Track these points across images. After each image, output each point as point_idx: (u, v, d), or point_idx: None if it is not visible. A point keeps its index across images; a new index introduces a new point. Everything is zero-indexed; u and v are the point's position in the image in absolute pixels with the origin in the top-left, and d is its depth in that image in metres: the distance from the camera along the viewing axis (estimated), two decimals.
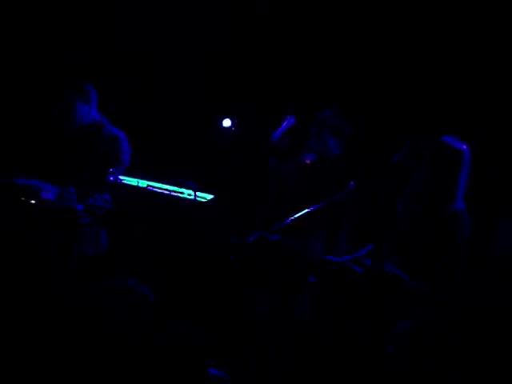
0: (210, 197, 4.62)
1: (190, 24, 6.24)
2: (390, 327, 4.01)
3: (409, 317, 4.01)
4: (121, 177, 4.58)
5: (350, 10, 5.95)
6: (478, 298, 4.30)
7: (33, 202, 4.39)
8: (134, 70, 6.25)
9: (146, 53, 6.26)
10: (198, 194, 4.60)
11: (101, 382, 3.78)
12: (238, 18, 6.27)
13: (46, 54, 5.93)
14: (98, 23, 6.09)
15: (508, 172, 5.33)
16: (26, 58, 5.94)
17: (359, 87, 5.82)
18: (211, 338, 4.24)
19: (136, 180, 4.61)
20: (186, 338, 4.17)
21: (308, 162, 5.03)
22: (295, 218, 4.44)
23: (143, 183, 4.63)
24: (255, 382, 4.02)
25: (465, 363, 3.98)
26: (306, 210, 4.44)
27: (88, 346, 3.95)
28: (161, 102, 6.38)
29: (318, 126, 4.97)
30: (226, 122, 6.35)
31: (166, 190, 4.65)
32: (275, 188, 5.14)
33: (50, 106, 4.79)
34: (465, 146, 4.36)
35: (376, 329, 4.07)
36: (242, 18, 6.28)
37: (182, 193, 4.63)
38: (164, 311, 4.15)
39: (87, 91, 4.63)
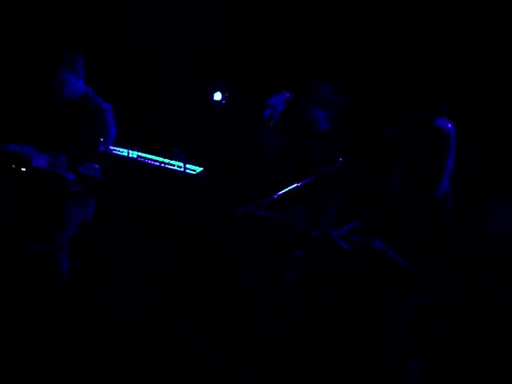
0: (199, 169, 4.62)
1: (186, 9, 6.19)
2: (389, 324, 4.02)
3: (408, 311, 4.02)
4: (111, 147, 4.57)
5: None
6: (477, 298, 4.31)
7: (23, 169, 4.39)
8: (128, 49, 6.21)
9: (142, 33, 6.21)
10: (187, 166, 4.59)
11: (101, 381, 3.78)
12: (236, 12, 6.24)
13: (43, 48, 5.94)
14: (98, 23, 6.08)
15: (499, 160, 5.30)
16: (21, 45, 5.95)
17: (353, 63, 5.78)
18: (211, 337, 4.25)
19: (126, 150, 4.61)
20: (186, 337, 4.18)
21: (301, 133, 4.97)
22: (282, 192, 4.43)
23: (133, 154, 4.63)
24: (255, 382, 4.02)
25: (465, 363, 3.99)
26: (294, 185, 4.43)
27: (88, 345, 3.95)
28: (153, 76, 6.33)
29: (306, 95, 4.94)
30: (217, 96, 6.29)
31: (156, 161, 4.65)
32: (268, 163, 5.10)
33: (40, 76, 4.79)
34: (451, 126, 4.36)
35: (376, 328, 4.07)
36: (240, 13, 6.24)
37: (172, 165, 4.63)
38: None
39: (75, 62, 4.64)
